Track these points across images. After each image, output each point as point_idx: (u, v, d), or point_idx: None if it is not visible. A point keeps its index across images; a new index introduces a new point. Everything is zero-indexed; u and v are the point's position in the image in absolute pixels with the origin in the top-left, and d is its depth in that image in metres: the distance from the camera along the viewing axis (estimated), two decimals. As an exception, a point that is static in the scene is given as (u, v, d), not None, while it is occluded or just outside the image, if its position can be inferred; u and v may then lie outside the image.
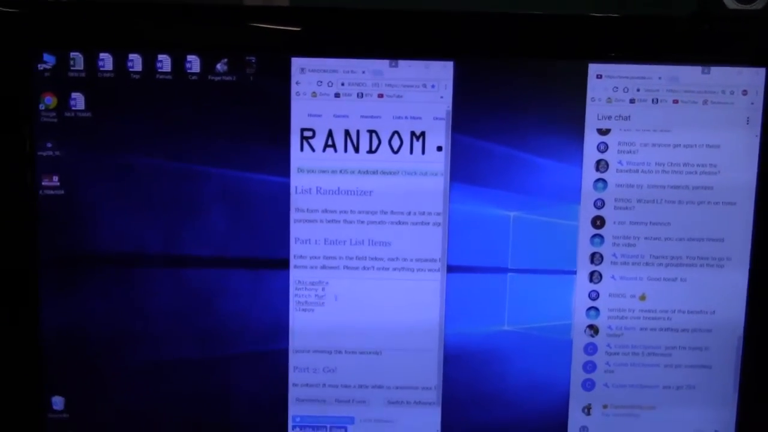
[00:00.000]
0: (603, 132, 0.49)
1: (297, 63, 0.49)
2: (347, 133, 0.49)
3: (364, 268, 0.50)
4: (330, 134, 0.49)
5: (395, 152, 0.49)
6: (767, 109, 0.49)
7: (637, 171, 0.49)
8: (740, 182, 0.49)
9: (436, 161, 0.49)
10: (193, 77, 0.49)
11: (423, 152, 0.49)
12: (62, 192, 0.49)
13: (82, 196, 0.49)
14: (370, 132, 0.49)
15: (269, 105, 0.49)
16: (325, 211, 0.50)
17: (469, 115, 0.49)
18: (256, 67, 0.49)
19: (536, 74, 0.49)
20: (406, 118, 0.49)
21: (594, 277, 0.50)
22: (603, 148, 0.49)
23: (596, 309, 0.51)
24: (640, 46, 0.49)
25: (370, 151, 0.49)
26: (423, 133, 0.49)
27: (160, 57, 0.48)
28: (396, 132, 0.49)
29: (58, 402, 0.51)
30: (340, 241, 0.50)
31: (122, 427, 0.52)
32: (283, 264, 0.50)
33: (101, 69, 0.48)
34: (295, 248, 0.50)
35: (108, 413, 0.51)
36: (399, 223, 0.50)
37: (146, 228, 0.50)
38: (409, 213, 0.50)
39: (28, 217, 0.49)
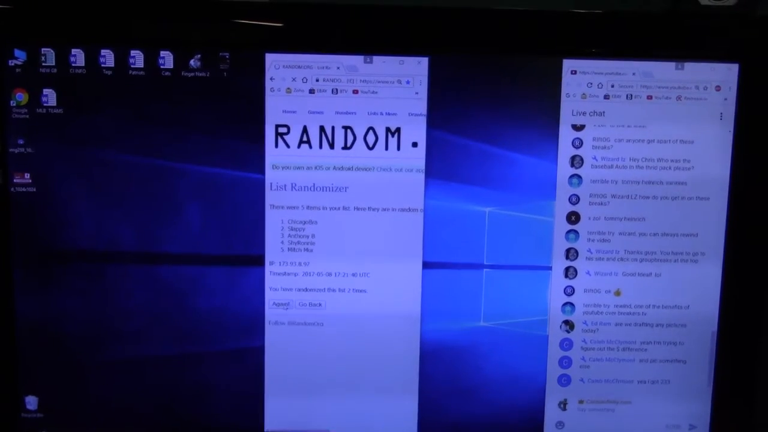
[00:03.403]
0: (578, 128, 0.49)
1: (271, 59, 0.48)
2: (322, 129, 0.49)
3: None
4: (305, 130, 0.49)
5: (370, 148, 0.49)
6: (740, 104, 0.49)
7: (612, 167, 0.50)
8: (714, 177, 0.50)
9: (412, 157, 0.49)
10: (166, 73, 0.48)
11: (398, 148, 0.49)
12: (34, 189, 0.49)
13: (55, 193, 0.49)
14: (345, 128, 0.49)
15: (243, 101, 0.49)
16: (300, 207, 0.49)
17: (445, 111, 0.49)
18: (230, 62, 0.48)
19: (511, 70, 0.49)
20: (381, 114, 0.49)
21: (569, 272, 0.50)
22: (578, 143, 0.49)
23: (572, 304, 0.51)
24: (615, 42, 0.49)
25: (345, 147, 0.49)
26: (398, 129, 0.49)
27: (133, 53, 0.48)
28: (371, 128, 0.49)
29: (31, 402, 0.51)
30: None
31: (97, 427, 0.51)
32: (258, 261, 0.50)
33: (73, 65, 0.48)
34: (269, 245, 0.50)
35: (83, 412, 0.51)
36: (374, 219, 0.50)
37: (120, 225, 0.49)
38: (385, 209, 0.50)
39: (-1, 215, 0.49)
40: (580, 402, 0.52)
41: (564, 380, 0.52)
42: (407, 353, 0.51)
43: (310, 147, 0.49)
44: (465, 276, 0.50)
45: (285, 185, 0.49)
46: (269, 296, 0.50)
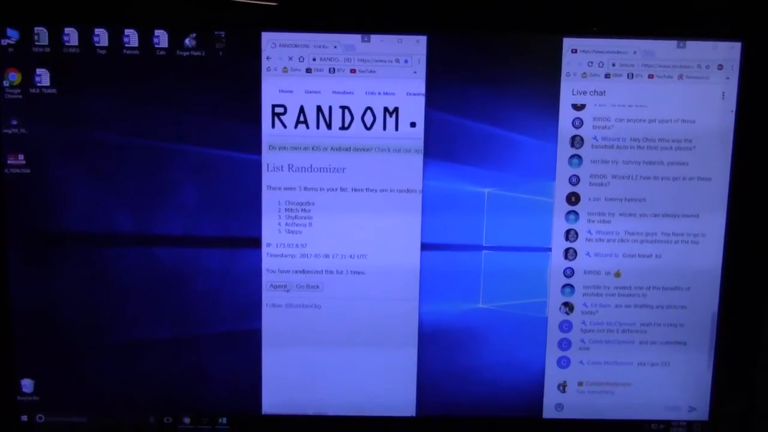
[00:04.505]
0: (578, 107, 0.49)
1: (267, 38, 0.48)
2: (319, 109, 0.48)
3: (337, 246, 0.50)
4: (302, 110, 0.48)
5: (368, 128, 0.49)
6: (743, 83, 0.49)
7: (612, 147, 0.49)
8: (715, 158, 0.49)
9: (410, 137, 0.49)
10: (161, 52, 0.47)
11: (396, 128, 0.49)
12: (28, 171, 0.48)
13: (49, 174, 0.48)
14: (343, 108, 0.48)
15: (239, 81, 0.48)
16: (298, 189, 0.49)
17: (443, 91, 0.48)
18: (225, 42, 0.48)
19: (511, 49, 0.48)
20: (379, 93, 0.48)
21: (569, 254, 0.50)
22: (578, 123, 0.49)
23: (571, 286, 0.50)
24: (616, 20, 0.48)
25: (343, 128, 0.49)
26: (396, 109, 0.48)
27: (127, 32, 0.47)
28: (369, 108, 0.48)
29: (27, 385, 0.51)
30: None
31: (93, 410, 0.51)
32: (255, 243, 0.49)
33: (66, 44, 0.47)
34: (266, 226, 0.49)
35: (79, 396, 0.51)
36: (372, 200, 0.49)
37: (115, 207, 0.49)
38: (383, 190, 0.49)
39: (-7, 197, 0.48)
40: (580, 384, 0.52)
41: (563, 362, 0.51)
42: (405, 335, 0.50)
43: (307, 127, 0.48)
44: (464, 258, 0.50)
45: (282, 166, 0.49)
46: (266, 278, 0.50)
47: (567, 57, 0.48)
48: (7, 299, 0.49)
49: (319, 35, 0.48)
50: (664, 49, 0.48)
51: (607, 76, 0.48)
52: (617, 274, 0.50)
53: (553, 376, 0.51)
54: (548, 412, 0.52)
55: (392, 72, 0.48)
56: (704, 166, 0.49)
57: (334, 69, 0.48)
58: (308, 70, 0.48)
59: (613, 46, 0.48)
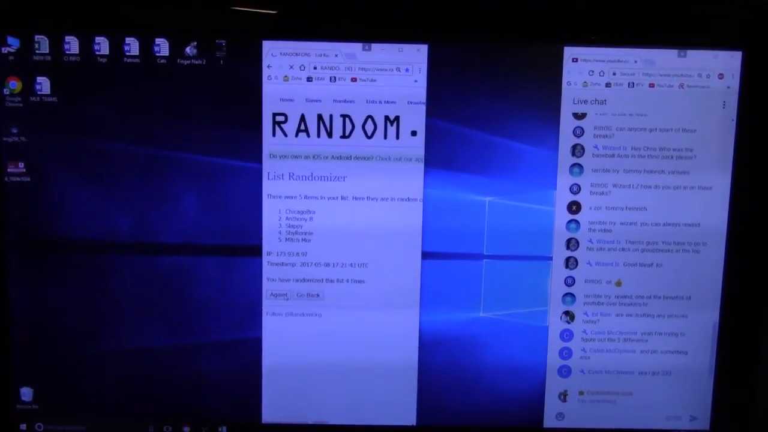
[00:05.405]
0: (579, 116, 0.49)
1: (268, 46, 0.48)
2: (320, 117, 0.48)
3: (338, 255, 0.50)
4: (302, 119, 0.48)
5: (369, 137, 0.49)
6: (743, 93, 0.49)
7: (613, 155, 0.49)
8: (716, 166, 0.49)
9: (411, 146, 0.49)
10: (162, 61, 0.47)
11: (397, 137, 0.49)
12: (28, 179, 0.48)
13: (49, 182, 0.48)
14: (344, 116, 0.48)
15: (240, 89, 0.48)
16: (298, 197, 0.49)
17: (444, 100, 0.48)
18: (226, 50, 0.47)
19: (512, 58, 0.48)
20: (379, 102, 0.48)
21: (570, 262, 0.50)
22: (579, 132, 0.49)
23: (572, 295, 0.50)
24: (617, 29, 0.48)
25: (344, 136, 0.49)
26: (397, 118, 0.48)
27: (128, 40, 0.47)
28: (370, 116, 0.48)
29: (26, 393, 0.50)
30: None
31: (93, 418, 0.51)
32: (255, 251, 0.49)
33: (67, 52, 0.47)
34: (266, 235, 0.49)
35: (78, 404, 0.51)
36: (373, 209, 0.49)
37: (115, 215, 0.49)
38: (384, 199, 0.49)
39: (-8, 205, 0.48)
40: (581, 393, 0.51)
41: (564, 371, 0.51)
42: (406, 344, 0.50)
43: (308, 136, 0.48)
44: (464, 266, 0.50)
45: (282, 174, 0.49)
46: (267, 287, 0.50)
47: (568, 66, 0.48)
48: (7, 307, 0.49)
49: (320, 44, 0.48)
50: (664, 58, 0.48)
51: (607, 85, 0.48)
52: (618, 283, 0.50)
53: (553, 385, 0.51)
54: (549, 422, 0.52)
55: (393, 81, 0.48)
56: (705, 175, 0.49)
57: (335, 77, 0.48)
58: (309, 79, 0.48)
59: (613, 55, 0.48)
